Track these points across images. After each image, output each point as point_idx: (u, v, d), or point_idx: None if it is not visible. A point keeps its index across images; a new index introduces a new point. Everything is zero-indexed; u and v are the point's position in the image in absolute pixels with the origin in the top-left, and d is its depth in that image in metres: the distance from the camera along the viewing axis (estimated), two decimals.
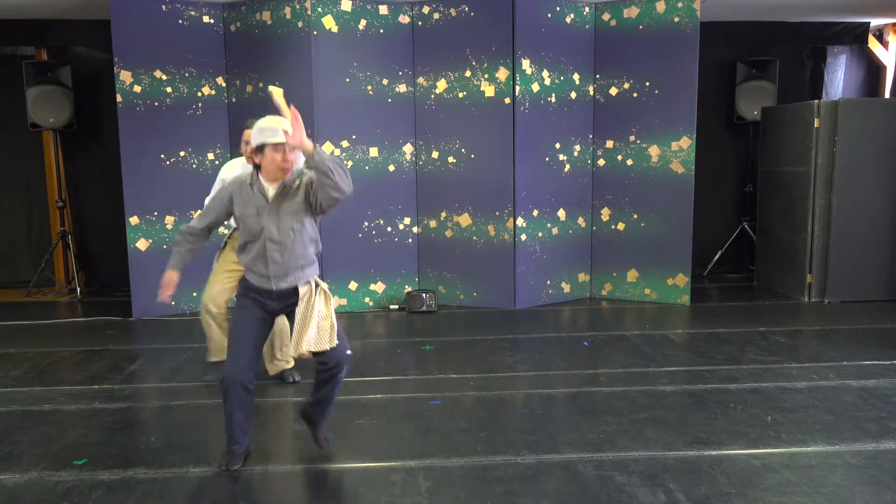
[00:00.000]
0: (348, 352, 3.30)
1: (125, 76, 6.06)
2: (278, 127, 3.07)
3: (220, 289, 4.41)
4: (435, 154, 6.54)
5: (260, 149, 3.12)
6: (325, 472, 3.30)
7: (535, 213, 6.47)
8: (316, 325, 3.17)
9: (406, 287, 6.67)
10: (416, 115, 6.54)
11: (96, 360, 5.09)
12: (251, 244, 3.21)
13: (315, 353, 3.19)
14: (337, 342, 3.20)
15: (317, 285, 3.25)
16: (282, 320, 3.61)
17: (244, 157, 4.31)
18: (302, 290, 3.21)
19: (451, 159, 6.49)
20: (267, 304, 3.26)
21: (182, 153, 6.36)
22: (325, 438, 3.46)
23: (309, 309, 3.18)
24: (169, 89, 6.26)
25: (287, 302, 3.24)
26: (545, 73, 6.36)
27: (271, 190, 3.17)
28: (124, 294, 6.45)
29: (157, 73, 6.19)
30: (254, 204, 3.17)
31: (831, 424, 3.76)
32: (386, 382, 4.53)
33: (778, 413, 3.93)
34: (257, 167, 3.18)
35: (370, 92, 6.35)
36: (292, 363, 4.57)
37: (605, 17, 6.57)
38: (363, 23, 6.25)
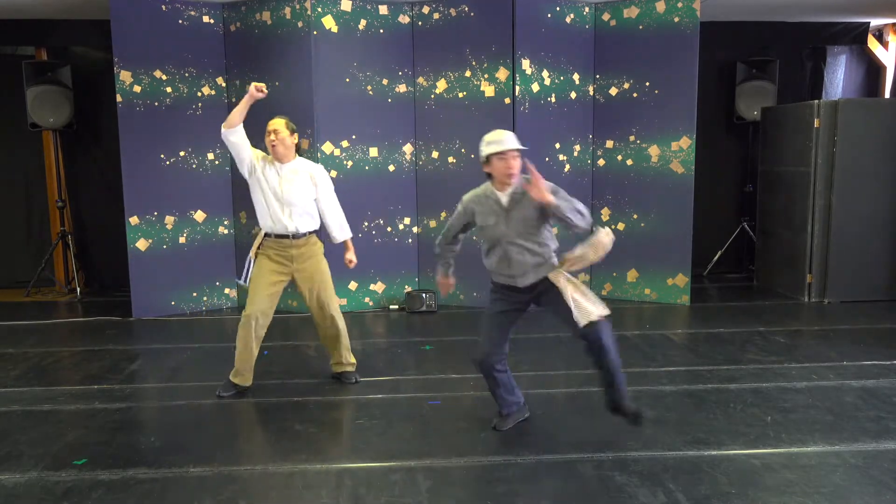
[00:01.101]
0: (598, 316, 3.42)
1: (125, 76, 6.06)
2: (502, 138, 3.44)
3: (269, 303, 4.27)
4: (435, 154, 6.54)
5: (487, 160, 3.50)
6: (325, 472, 3.30)
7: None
8: (574, 307, 3.43)
9: (406, 287, 6.67)
10: (416, 115, 6.54)
11: (96, 360, 5.09)
12: (493, 250, 3.60)
13: (580, 335, 3.45)
14: (591, 320, 3.41)
15: (561, 272, 3.54)
16: (340, 324, 4.47)
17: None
18: (551, 277, 3.53)
19: (451, 159, 6.49)
20: (513, 297, 3.65)
21: (182, 153, 6.36)
22: (636, 413, 3.54)
23: (560, 296, 3.48)
24: (169, 89, 6.26)
25: (535, 293, 3.60)
26: (545, 73, 6.36)
27: (504, 199, 3.52)
28: (124, 294, 6.45)
29: (157, 73, 6.19)
30: (493, 214, 3.55)
31: (831, 424, 3.76)
32: (386, 382, 4.54)
33: (778, 413, 3.93)
34: (489, 177, 3.57)
35: (370, 92, 6.35)
36: (354, 364, 4.58)
37: (605, 17, 6.57)
38: (363, 23, 6.26)
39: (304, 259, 4.30)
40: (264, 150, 4.32)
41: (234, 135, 4.15)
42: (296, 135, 4.29)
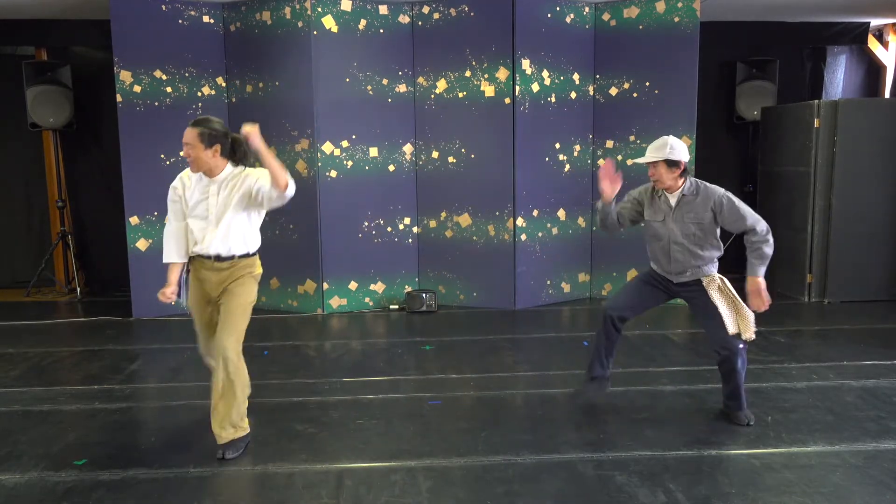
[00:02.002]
0: (741, 345, 3.67)
1: (125, 76, 6.06)
2: (650, 148, 3.72)
3: (210, 333, 3.64)
4: (435, 154, 6.54)
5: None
6: (325, 472, 3.30)
7: (535, 213, 6.47)
8: (723, 314, 3.65)
9: (406, 287, 6.67)
10: (416, 115, 6.54)
11: (96, 360, 5.09)
12: (656, 244, 3.83)
13: (717, 348, 3.70)
14: (732, 332, 3.62)
15: (716, 279, 3.74)
16: None
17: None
18: (704, 282, 3.75)
19: (451, 159, 6.49)
20: (662, 284, 3.90)
21: (182, 153, 6.34)
22: (746, 422, 3.76)
23: (710, 299, 3.70)
24: (169, 89, 6.26)
25: (687, 290, 3.82)
26: (545, 73, 6.36)
27: (672, 200, 3.75)
28: (124, 294, 6.45)
29: (157, 73, 6.19)
30: (661, 212, 3.78)
31: (831, 424, 3.76)
32: (386, 382, 4.54)
33: (778, 413, 3.93)
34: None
35: (370, 92, 6.35)
36: (225, 440, 3.47)
37: (605, 17, 6.57)
38: (363, 23, 6.26)
39: (223, 281, 3.55)
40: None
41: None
42: (217, 145, 3.45)
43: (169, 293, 3.54)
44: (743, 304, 3.65)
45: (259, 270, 3.65)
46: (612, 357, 4.03)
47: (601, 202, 3.87)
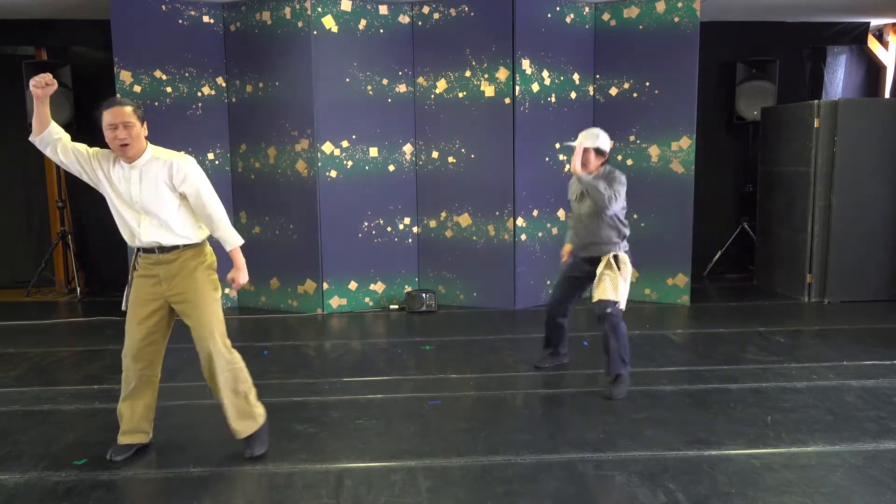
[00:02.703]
0: (608, 310, 4.15)
1: (125, 76, 6.06)
2: (583, 136, 4.23)
3: (142, 340, 3.37)
4: (435, 154, 6.54)
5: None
6: (325, 472, 3.30)
7: (535, 213, 6.47)
8: (602, 282, 4.20)
9: (406, 287, 6.67)
10: (416, 115, 6.54)
11: (96, 360, 5.09)
12: (572, 220, 4.45)
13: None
14: (607, 299, 4.16)
15: (609, 257, 4.22)
16: None
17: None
18: (602, 259, 4.24)
19: (451, 159, 6.49)
20: (578, 267, 4.44)
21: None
22: (608, 395, 4.22)
23: (602, 272, 4.24)
24: (169, 89, 6.26)
25: (591, 265, 4.32)
26: (545, 73, 6.36)
27: (576, 185, 4.37)
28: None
29: (157, 73, 6.20)
30: (576, 192, 4.37)
31: (831, 424, 3.76)
32: (386, 382, 4.54)
33: (778, 413, 3.93)
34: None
35: (370, 92, 6.35)
36: (240, 434, 3.44)
37: (605, 17, 6.57)
38: (363, 23, 6.26)
39: (174, 277, 3.31)
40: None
41: (44, 145, 3.18)
42: (146, 123, 3.27)
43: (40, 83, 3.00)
44: (622, 284, 4.18)
45: (210, 259, 3.40)
46: (562, 344, 4.72)
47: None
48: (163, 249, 3.30)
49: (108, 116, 3.15)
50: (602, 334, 4.23)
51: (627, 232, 4.29)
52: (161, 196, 3.24)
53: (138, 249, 3.36)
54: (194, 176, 3.27)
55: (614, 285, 4.15)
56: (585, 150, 4.18)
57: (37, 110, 3.07)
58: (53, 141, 3.18)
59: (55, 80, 3.04)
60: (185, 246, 3.32)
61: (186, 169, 3.26)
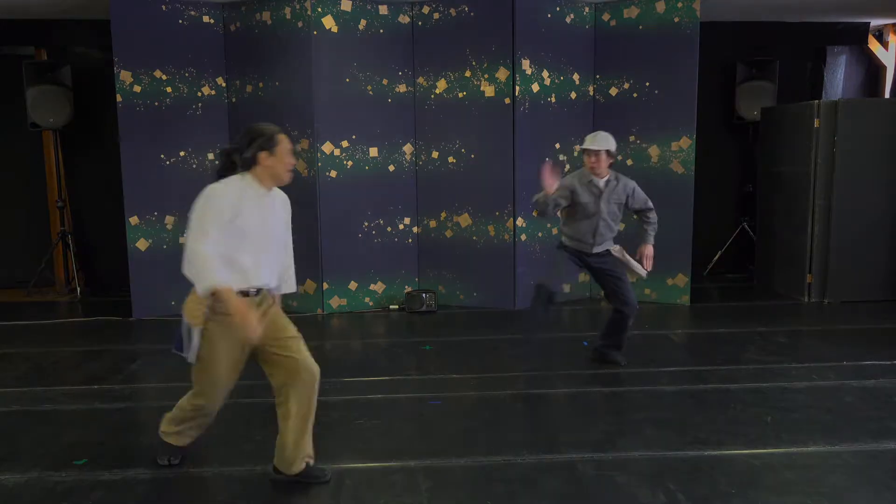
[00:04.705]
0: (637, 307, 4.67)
1: (125, 76, 6.06)
2: (588, 139, 4.55)
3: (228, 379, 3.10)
4: (435, 154, 6.54)
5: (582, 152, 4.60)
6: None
7: (536, 212, 6.46)
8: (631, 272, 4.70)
9: (406, 287, 6.67)
10: (416, 115, 6.54)
11: (96, 360, 5.09)
12: (585, 222, 4.59)
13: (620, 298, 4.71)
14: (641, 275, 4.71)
15: (620, 249, 4.69)
16: None
17: None
18: (614, 251, 4.67)
19: (451, 159, 6.49)
20: (576, 260, 4.69)
21: (182, 153, 6.36)
22: (617, 362, 4.80)
23: (619, 264, 4.67)
24: (169, 89, 6.26)
25: (599, 259, 4.65)
26: (545, 73, 6.36)
27: (601, 184, 4.57)
28: (124, 294, 6.44)
29: (157, 73, 6.19)
30: (593, 194, 4.56)
31: (831, 424, 3.76)
32: (386, 382, 4.54)
33: (778, 413, 3.93)
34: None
35: (370, 92, 6.35)
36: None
37: (605, 17, 6.57)
38: (363, 23, 6.26)
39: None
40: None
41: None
42: None
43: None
44: (636, 266, 4.65)
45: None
46: (549, 310, 4.87)
47: (543, 194, 4.48)
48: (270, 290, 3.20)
49: (286, 143, 3.03)
50: (621, 325, 4.70)
51: None
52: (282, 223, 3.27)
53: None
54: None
55: (639, 267, 4.66)
56: (598, 153, 4.49)
57: None
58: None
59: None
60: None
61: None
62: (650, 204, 4.70)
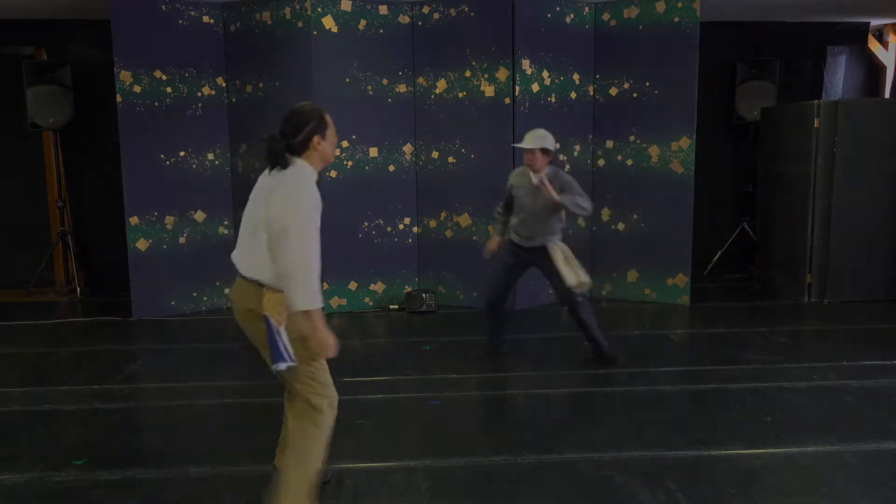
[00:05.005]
0: (579, 298, 4.62)
1: (125, 76, 6.06)
2: (527, 137, 4.59)
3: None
4: (435, 154, 6.54)
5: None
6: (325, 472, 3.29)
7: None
8: (569, 269, 4.57)
9: (406, 287, 6.67)
10: (416, 115, 6.54)
11: (96, 360, 5.09)
12: (520, 214, 4.67)
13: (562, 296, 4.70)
14: (570, 284, 4.53)
15: (556, 246, 4.61)
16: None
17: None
18: (548, 247, 4.61)
19: (451, 159, 6.49)
20: (516, 255, 4.76)
21: (182, 153, 6.36)
22: (612, 357, 4.78)
23: (552, 261, 4.60)
24: (169, 89, 6.26)
25: (535, 254, 4.67)
26: (545, 73, 6.36)
27: (535, 179, 4.59)
28: (124, 294, 6.44)
29: (157, 73, 6.19)
30: (527, 188, 4.64)
31: (831, 424, 3.76)
32: (386, 382, 4.54)
33: (778, 413, 3.93)
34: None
35: (370, 92, 6.35)
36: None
37: (605, 17, 6.57)
38: (363, 23, 6.25)
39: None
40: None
41: None
42: None
43: None
44: (579, 266, 4.56)
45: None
46: (503, 329, 4.98)
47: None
48: None
49: (332, 123, 2.98)
50: (575, 319, 4.70)
51: (566, 224, 4.79)
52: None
53: None
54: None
55: (576, 272, 4.54)
56: (532, 151, 4.54)
57: None
58: None
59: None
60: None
61: None
62: (584, 193, 4.60)
